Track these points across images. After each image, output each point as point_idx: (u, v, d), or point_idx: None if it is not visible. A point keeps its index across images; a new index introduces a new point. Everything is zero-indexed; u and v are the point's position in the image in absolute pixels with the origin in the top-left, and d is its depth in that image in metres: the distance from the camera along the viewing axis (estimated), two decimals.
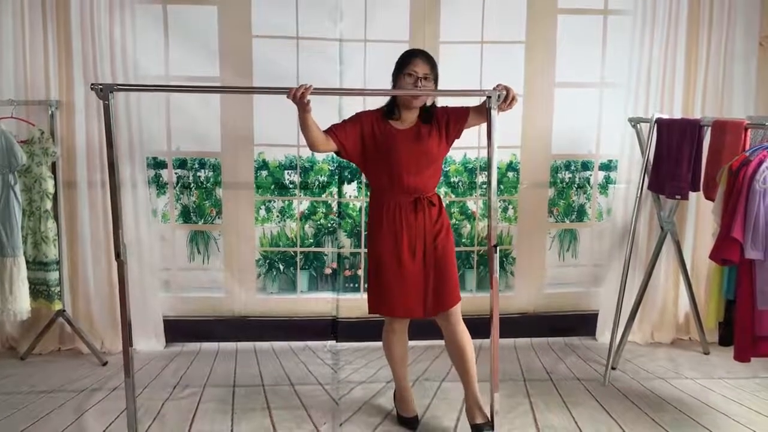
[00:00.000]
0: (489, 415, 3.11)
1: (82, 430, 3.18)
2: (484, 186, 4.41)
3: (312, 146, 2.94)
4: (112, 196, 2.83)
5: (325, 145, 2.95)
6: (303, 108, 2.78)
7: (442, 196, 3.28)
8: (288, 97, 2.74)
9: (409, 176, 3.01)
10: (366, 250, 4.31)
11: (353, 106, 4.15)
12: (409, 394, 3.33)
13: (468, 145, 4.21)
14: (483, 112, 3.01)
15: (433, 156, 3.07)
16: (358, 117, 3.09)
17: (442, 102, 3.25)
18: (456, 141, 3.18)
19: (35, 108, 3.99)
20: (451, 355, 3.24)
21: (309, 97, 2.74)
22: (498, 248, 2.95)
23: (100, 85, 2.71)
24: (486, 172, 4.33)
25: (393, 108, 3.07)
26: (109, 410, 3.40)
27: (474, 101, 3.10)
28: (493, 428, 3.07)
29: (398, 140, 3.02)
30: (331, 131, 2.99)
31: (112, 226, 2.87)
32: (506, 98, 2.86)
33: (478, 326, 4.41)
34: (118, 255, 2.84)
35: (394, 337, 3.22)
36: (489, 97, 2.85)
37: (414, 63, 2.98)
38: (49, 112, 3.95)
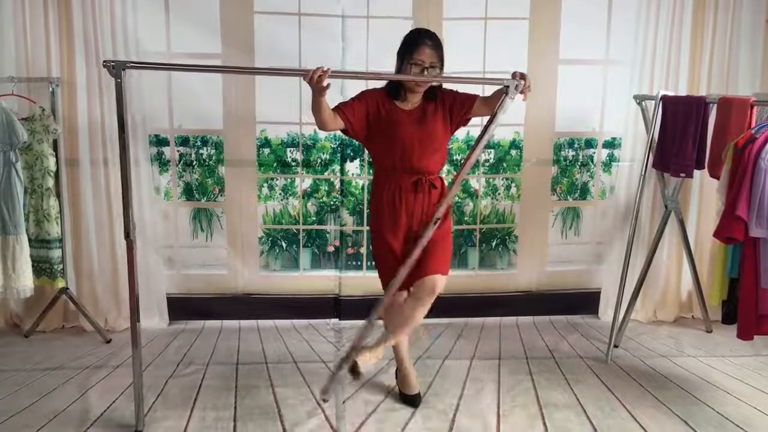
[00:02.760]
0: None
1: (86, 407, 3.19)
2: (487, 164, 4.40)
3: (321, 125, 2.92)
4: (123, 175, 2.80)
5: (333, 123, 2.94)
6: (319, 92, 2.76)
7: (445, 174, 3.27)
8: (305, 79, 2.72)
9: (412, 157, 3.00)
10: (368, 228, 4.33)
11: (356, 84, 4.15)
12: (411, 371, 3.34)
13: (471, 123, 4.18)
14: (493, 104, 2.97)
15: (438, 138, 3.06)
16: (364, 95, 3.06)
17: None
18: None
19: (36, 85, 3.96)
20: (393, 317, 3.16)
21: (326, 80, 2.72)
22: (438, 222, 2.93)
23: (112, 62, 2.66)
24: (489, 150, 4.35)
25: (398, 88, 3.05)
26: (113, 387, 3.41)
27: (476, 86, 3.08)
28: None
29: (403, 121, 3.01)
30: (339, 110, 2.97)
31: (122, 204, 2.85)
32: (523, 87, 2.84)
33: (479, 304, 4.45)
34: (128, 234, 2.83)
35: None
36: (507, 87, 2.82)
37: (421, 52, 2.93)
38: (50, 89, 3.93)
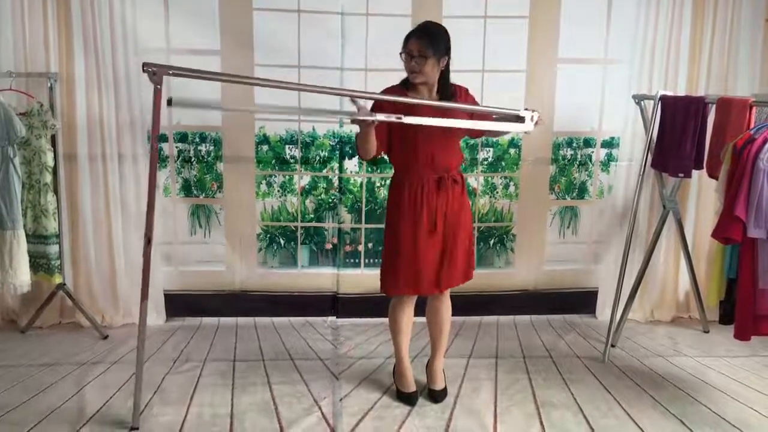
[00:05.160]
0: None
1: (82, 404, 3.19)
2: (486, 163, 4.39)
3: (365, 155, 3.02)
4: (150, 180, 2.80)
5: (374, 151, 3.02)
6: (368, 126, 2.86)
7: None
8: (352, 122, 2.86)
9: (433, 156, 3.02)
10: (366, 226, 4.34)
11: (355, 81, 4.15)
12: (409, 369, 3.34)
13: None
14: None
15: (456, 137, 3.11)
16: (380, 109, 3.06)
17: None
18: None
19: (34, 80, 3.95)
20: (431, 324, 3.37)
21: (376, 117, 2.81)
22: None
23: (153, 67, 2.56)
24: (487, 149, 4.35)
25: (406, 83, 3.08)
26: (109, 383, 3.40)
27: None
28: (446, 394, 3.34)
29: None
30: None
31: (146, 208, 2.85)
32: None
33: (476, 303, 4.45)
34: (149, 240, 2.83)
35: (402, 312, 3.24)
36: (521, 117, 2.97)
37: (409, 42, 2.97)
38: (49, 84, 3.91)
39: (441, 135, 3.03)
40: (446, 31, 3.03)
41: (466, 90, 3.17)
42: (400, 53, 3.00)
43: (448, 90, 3.08)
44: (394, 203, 3.15)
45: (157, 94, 2.62)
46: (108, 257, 4.20)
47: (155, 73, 2.55)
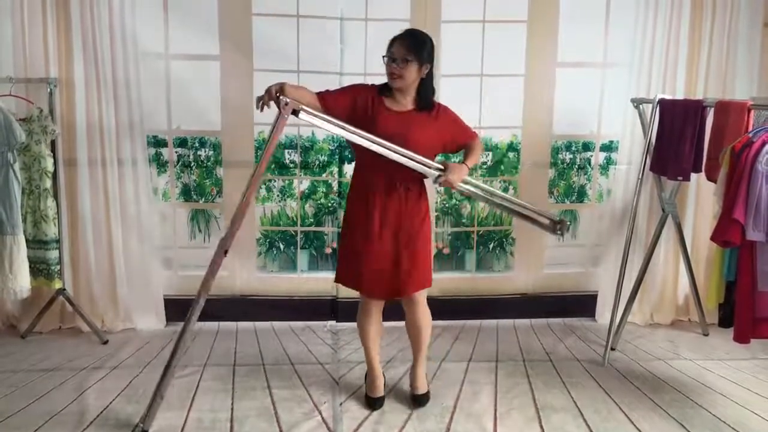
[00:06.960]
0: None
1: (82, 409, 3.19)
2: (485, 167, 4.40)
3: None
4: (248, 194, 2.94)
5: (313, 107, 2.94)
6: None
7: None
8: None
9: (384, 159, 2.95)
10: None
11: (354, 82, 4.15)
12: (380, 378, 3.33)
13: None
14: (469, 155, 3.11)
15: (420, 147, 2.99)
16: (354, 87, 3.10)
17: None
18: None
19: (34, 86, 3.95)
20: (409, 333, 3.32)
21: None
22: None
23: (288, 98, 2.77)
24: (487, 153, 4.35)
25: (384, 92, 3.07)
26: (109, 389, 3.40)
27: None
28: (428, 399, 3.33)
29: (384, 119, 2.99)
30: (322, 97, 2.99)
31: (231, 221, 2.95)
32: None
33: (476, 306, 4.45)
34: (225, 252, 2.96)
35: (367, 318, 3.23)
36: (557, 224, 3.33)
37: (392, 45, 2.97)
38: (48, 89, 3.91)
39: (399, 140, 2.95)
40: (431, 39, 3.01)
41: (446, 108, 3.11)
42: (383, 56, 2.99)
43: (424, 100, 3.04)
44: (350, 199, 3.17)
45: (281, 121, 2.83)
46: (108, 262, 4.20)
47: (287, 104, 2.78)
